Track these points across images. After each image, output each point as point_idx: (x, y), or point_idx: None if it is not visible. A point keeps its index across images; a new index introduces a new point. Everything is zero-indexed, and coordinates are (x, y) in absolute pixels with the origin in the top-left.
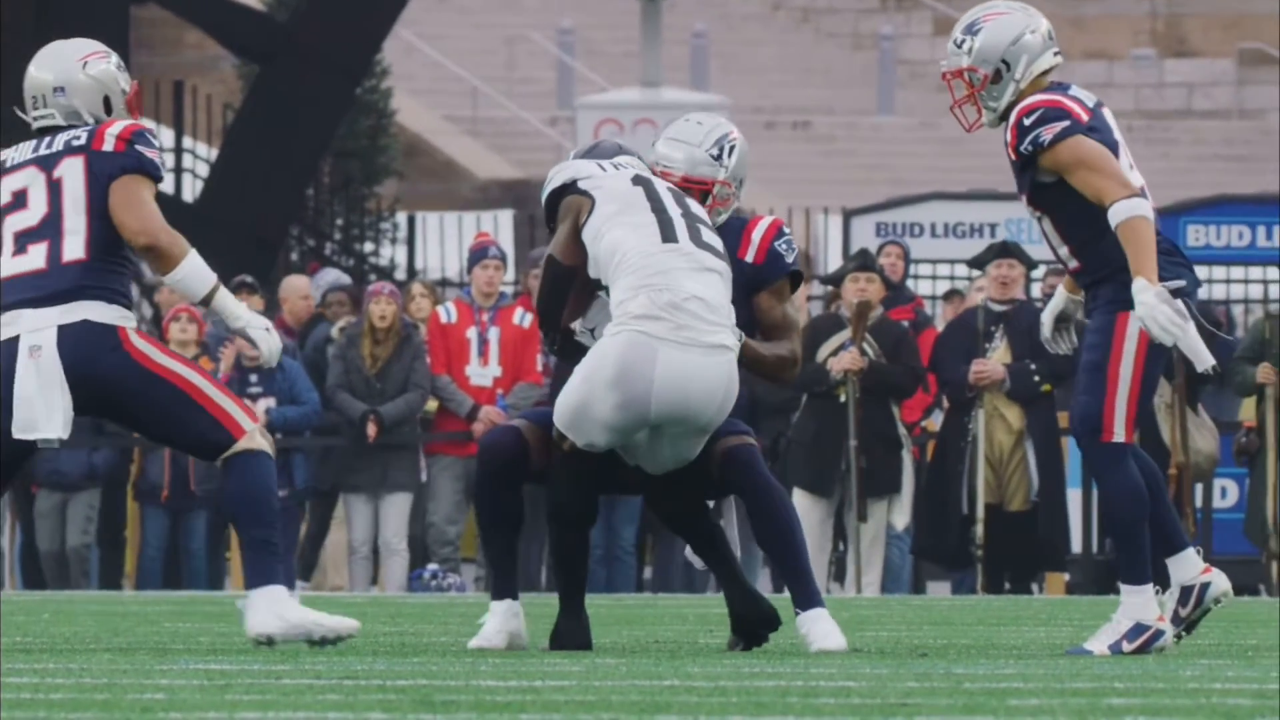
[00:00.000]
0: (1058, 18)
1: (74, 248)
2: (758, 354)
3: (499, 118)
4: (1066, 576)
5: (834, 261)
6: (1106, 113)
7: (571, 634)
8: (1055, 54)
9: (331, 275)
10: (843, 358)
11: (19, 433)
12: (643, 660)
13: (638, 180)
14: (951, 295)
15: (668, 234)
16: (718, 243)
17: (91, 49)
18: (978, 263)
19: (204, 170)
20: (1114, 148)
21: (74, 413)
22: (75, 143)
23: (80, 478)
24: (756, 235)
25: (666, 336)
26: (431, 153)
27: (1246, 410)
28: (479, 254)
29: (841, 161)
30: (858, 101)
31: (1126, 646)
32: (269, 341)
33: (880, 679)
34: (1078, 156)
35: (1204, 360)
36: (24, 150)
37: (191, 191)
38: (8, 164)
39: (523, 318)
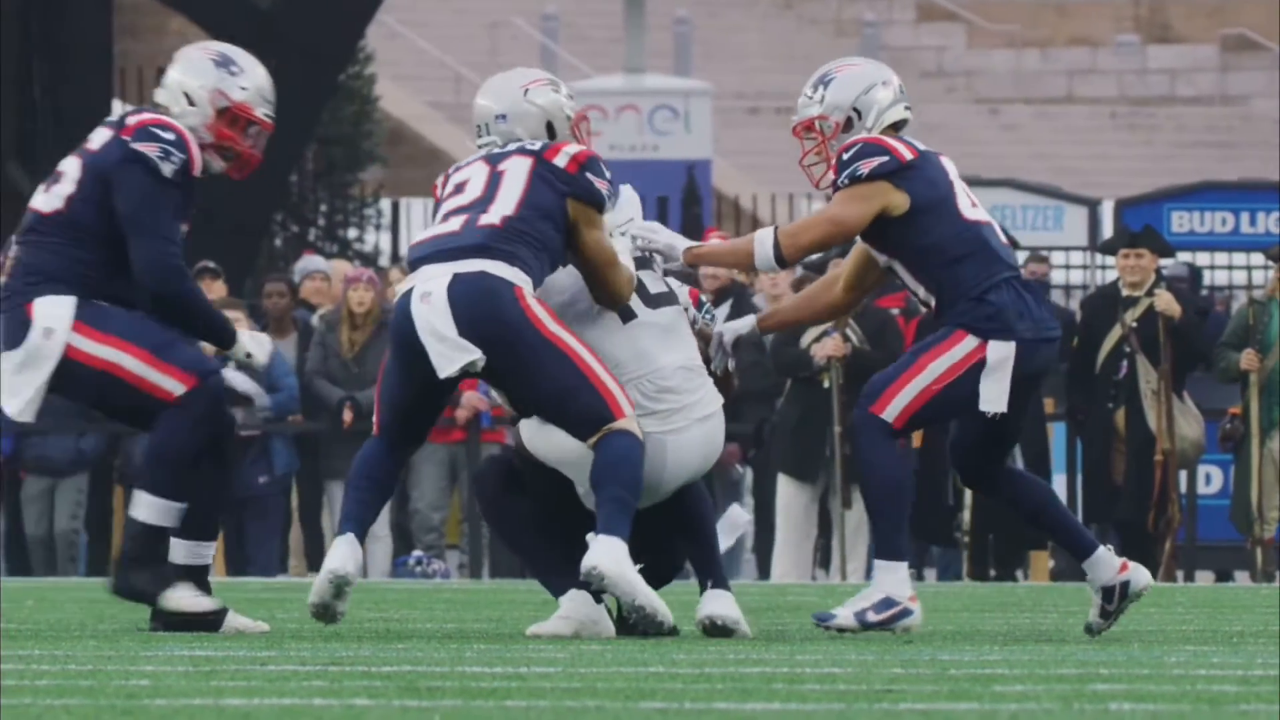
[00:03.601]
0: (1043, 4)
1: (492, 216)
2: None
3: None
4: (1051, 563)
5: None
6: (944, 161)
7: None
8: (906, 108)
9: (317, 261)
10: (825, 344)
11: (444, 370)
12: (628, 647)
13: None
14: None
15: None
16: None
17: (535, 77)
18: None
19: None
20: (948, 186)
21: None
22: (528, 147)
23: (68, 463)
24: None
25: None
26: (415, 139)
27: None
28: None
29: None
30: None
31: (872, 616)
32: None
33: (865, 665)
34: (847, 197)
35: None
36: (476, 154)
37: None
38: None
39: None
